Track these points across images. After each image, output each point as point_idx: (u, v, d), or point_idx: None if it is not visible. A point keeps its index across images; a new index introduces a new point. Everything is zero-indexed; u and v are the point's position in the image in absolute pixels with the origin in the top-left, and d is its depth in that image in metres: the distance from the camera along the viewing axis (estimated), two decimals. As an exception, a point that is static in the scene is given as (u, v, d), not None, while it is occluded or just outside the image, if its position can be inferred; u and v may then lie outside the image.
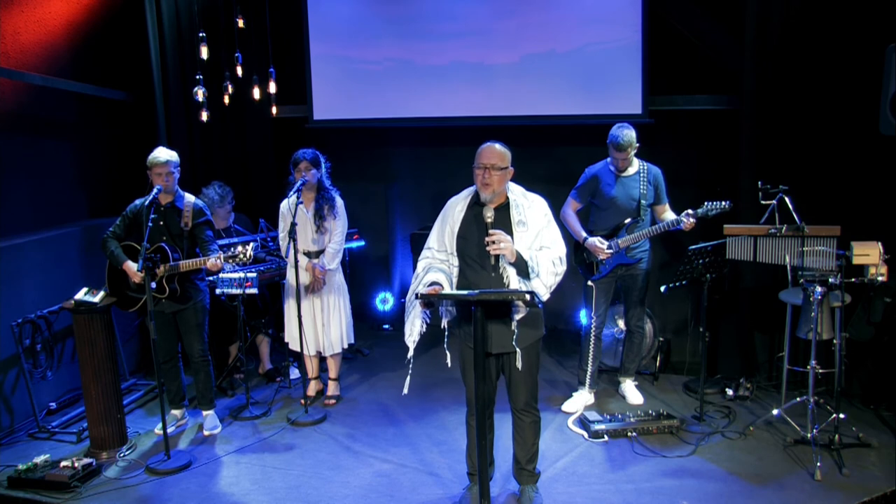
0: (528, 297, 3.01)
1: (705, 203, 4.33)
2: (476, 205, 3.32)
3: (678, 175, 5.09)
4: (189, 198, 4.41)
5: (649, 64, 5.44)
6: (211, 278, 4.65)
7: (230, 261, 4.17)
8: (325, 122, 6.24)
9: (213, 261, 4.16)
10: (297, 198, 4.64)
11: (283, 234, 4.77)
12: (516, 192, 3.37)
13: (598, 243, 4.51)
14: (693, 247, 4.27)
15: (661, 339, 5.38)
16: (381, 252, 6.85)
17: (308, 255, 4.76)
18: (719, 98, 5.41)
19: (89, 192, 5.64)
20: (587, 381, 4.76)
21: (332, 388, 5.01)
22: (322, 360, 5.11)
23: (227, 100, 5.09)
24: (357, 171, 6.50)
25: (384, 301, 6.73)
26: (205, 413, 4.60)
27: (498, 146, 3.29)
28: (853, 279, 3.94)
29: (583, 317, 4.88)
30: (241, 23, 4.90)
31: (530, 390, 3.44)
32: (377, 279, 6.86)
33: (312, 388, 5.04)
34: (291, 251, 4.46)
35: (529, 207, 3.32)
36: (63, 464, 3.92)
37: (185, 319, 4.42)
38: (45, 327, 4.75)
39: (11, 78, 4.79)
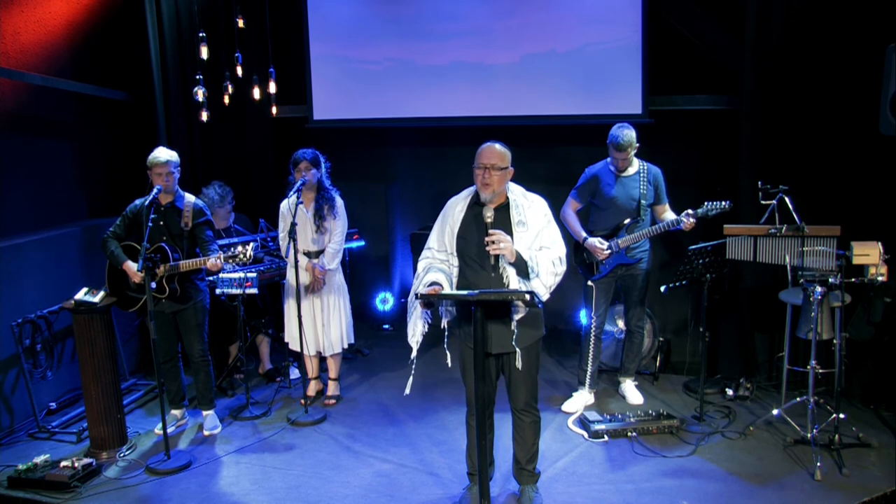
0: (527, 297, 3.01)
1: (705, 203, 4.34)
2: (476, 205, 3.32)
3: (678, 175, 5.09)
4: (189, 198, 4.41)
5: (649, 64, 5.44)
6: (211, 278, 4.65)
7: (230, 261, 4.17)
8: (325, 122, 6.24)
9: (213, 261, 4.16)
10: (297, 198, 4.64)
11: (283, 234, 4.77)
12: (516, 192, 3.37)
13: (598, 244, 4.51)
14: (693, 247, 4.27)
15: (661, 339, 5.38)
16: (381, 252, 6.85)
17: (308, 255, 4.76)
18: (719, 98, 5.41)
19: (89, 192, 5.64)
20: (587, 381, 4.76)
21: (332, 388, 5.01)
22: (322, 360, 5.11)
23: (227, 100, 5.09)
24: (357, 171, 6.50)
25: (384, 301, 6.73)
26: (205, 413, 4.60)
27: (498, 146, 3.29)
28: (853, 279, 3.94)
29: (583, 317, 4.88)
30: (241, 23, 4.90)
31: (530, 390, 3.44)
32: (377, 279, 6.86)
33: (312, 388, 5.04)
34: (291, 251, 4.46)
35: (529, 207, 3.32)
36: (63, 464, 3.92)
37: (185, 319, 4.42)
38: (45, 327, 4.75)
39: (11, 78, 4.79)
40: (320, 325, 4.84)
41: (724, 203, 4.31)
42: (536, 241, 3.28)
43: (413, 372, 3.38)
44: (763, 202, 4.32)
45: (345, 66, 6.10)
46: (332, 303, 4.83)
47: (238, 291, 4.61)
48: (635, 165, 4.54)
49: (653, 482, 3.79)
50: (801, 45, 4.69)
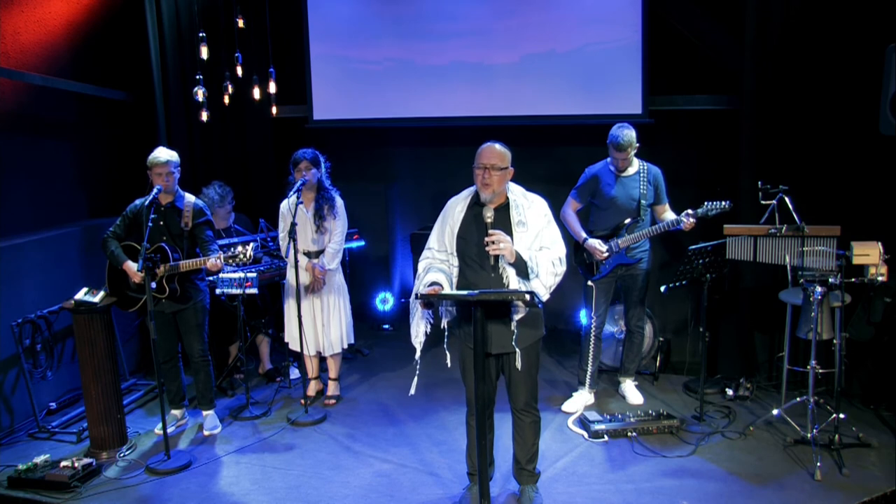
0: (527, 297, 3.01)
1: (705, 203, 4.34)
2: (476, 205, 3.32)
3: (678, 175, 5.09)
4: (189, 198, 4.41)
5: (649, 64, 5.44)
6: (211, 278, 4.65)
7: (230, 261, 4.17)
8: (325, 122, 6.24)
9: (213, 261, 4.16)
10: (297, 198, 4.64)
11: (283, 234, 4.77)
12: (516, 193, 3.37)
13: (598, 245, 4.51)
14: (693, 247, 4.27)
15: (661, 339, 5.38)
16: (381, 252, 6.85)
17: (308, 255, 4.75)
18: (719, 98, 5.41)
19: (89, 192, 5.64)
20: (587, 381, 4.76)
21: (332, 388, 5.01)
22: (322, 360, 5.11)
23: (227, 100, 5.09)
24: (357, 171, 6.50)
25: (384, 301, 6.73)
26: (205, 413, 4.60)
27: (498, 146, 3.29)
28: (853, 279, 3.94)
29: (583, 317, 4.88)
30: (241, 23, 4.90)
31: (530, 390, 3.44)
32: (377, 279, 6.86)
33: (312, 388, 5.04)
34: (291, 251, 4.46)
35: (529, 208, 3.32)
36: (63, 464, 3.92)
37: (185, 319, 4.42)
38: (45, 327, 4.75)
39: (11, 78, 4.79)
40: (320, 325, 4.84)
41: (724, 203, 4.31)
42: (536, 242, 3.28)
43: (418, 372, 3.37)
44: (763, 202, 4.32)
45: (345, 66, 6.10)
46: (332, 303, 4.83)
47: (238, 291, 4.61)
48: (635, 165, 4.54)
49: (653, 482, 3.79)
50: (801, 45, 4.69)
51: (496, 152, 3.26)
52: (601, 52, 5.54)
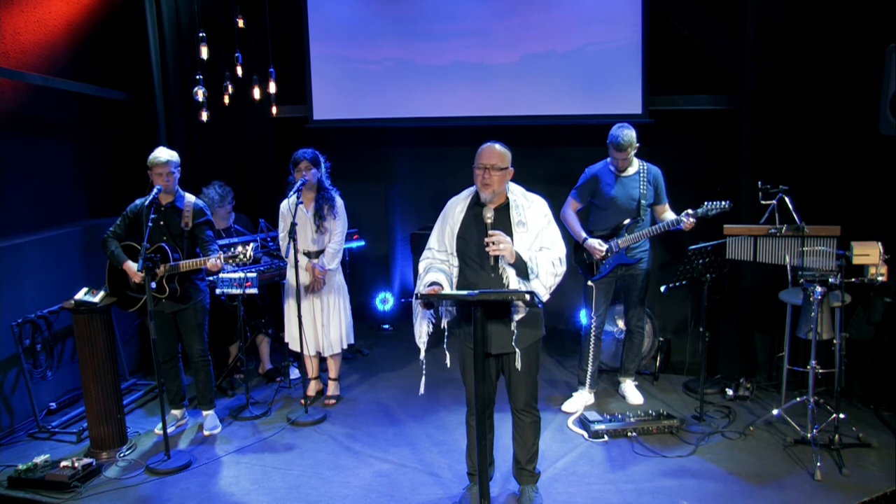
0: (527, 297, 3.01)
1: (705, 203, 4.34)
2: (476, 205, 3.32)
3: (678, 175, 5.09)
4: (189, 198, 4.41)
5: (649, 64, 5.44)
6: (211, 278, 4.65)
7: (230, 261, 4.17)
8: (325, 122, 6.24)
9: (213, 261, 4.16)
10: (297, 198, 4.64)
11: (283, 234, 4.77)
12: (516, 193, 3.37)
13: (598, 245, 4.51)
14: (693, 247, 4.27)
15: (661, 339, 5.38)
16: (381, 252, 6.85)
17: (308, 255, 4.75)
18: (719, 98, 5.41)
19: (89, 192, 5.64)
20: (587, 381, 4.76)
21: (332, 388, 5.01)
22: (322, 360, 5.11)
23: (227, 100, 5.09)
24: (357, 171, 6.51)
25: (384, 301, 6.73)
26: (205, 413, 4.60)
27: (498, 146, 3.29)
28: (853, 279, 3.94)
29: (583, 317, 4.88)
30: (241, 23, 4.90)
31: (530, 390, 3.44)
32: (377, 279, 6.86)
33: (312, 388, 5.04)
34: (291, 251, 4.46)
35: (529, 208, 3.32)
36: (63, 464, 3.92)
37: (185, 319, 4.42)
38: (45, 327, 4.75)
39: (11, 78, 4.79)
40: (320, 325, 4.84)
41: (724, 203, 4.31)
42: (536, 242, 3.28)
43: (424, 372, 3.36)
44: (763, 202, 4.32)
45: (345, 66, 6.10)
46: (332, 303, 4.83)
47: (238, 291, 4.61)
48: (635, 165, 4.54)
49: (653, 482, 3.79)
50: (801, 45, 4.69)
51: (496, 152, 3.26)
52: (601, 52, 5.54)
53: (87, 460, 4.00)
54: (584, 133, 5.65)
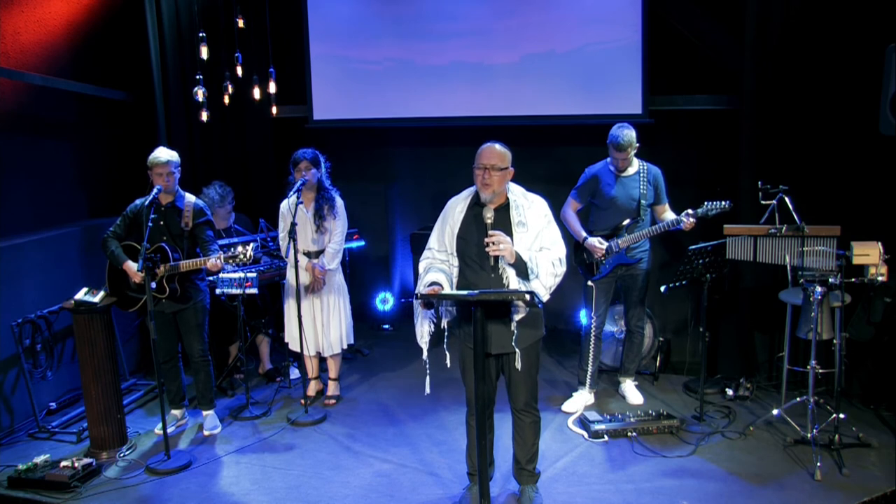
0: (527, 297, 3.01)
1: (705, 203, 4.34)
2: (476, 205, 3.32)
3: (678, 175, 5.09)
4: (189, 198, 4.41)
5: (649, 64, 5.44)
6: (211, 278, 4.65)
7: (230, 261, 4.17)
8: (325, 122, 6.24)
9: (213, 261, 4.16)
10: (297, 198, 4.64)
11: (283, 234, 4.77)
12: (516, 193, 3.37)
13: (598, 244, 4.51)
14: (693, 247, 4.27)
15: (661, 339, 5.38)
16: (381, 252, 6.85)
17: (308, 255, 4.75)
18: (719, 98, 5.41)
19: (89, 192, 5.64)
20: (587, 381, 4.76)
21: (332, 388, 5.01)
22: (322, 360, 5.11)
23: (227, 100, 5.09)
24: (357, 171, 6.50)
25: (384, 301, 6.73)
26: (205, 413, 4.60)
27: (498, 146, 3.29)
28: (853, 279, 3.94)
29: (583, 317, 4.88)
30: (241, 23, 4.90)
31: (530, 390, 3.44)
32: (377, 279, 6.86)
33: (312, 388, 5.04)
34: (291, 251, 4.46)
35: (529, 208, 3.32)
36: (63, 464, 3.92)
37: (185, 319, 4.42)
38: (45, 327, 4.75)
39: (11, 78, 4.79)
40: (320, 325, 4.84)
41: (724, 203, 4.31)
42: (536, 242, 3.28)
43: (428, 371, 3.36)
44: (763, 202, 4.32)
45: (345, 66, 6.10)
46: (332, 303, 4.83)
47: (238, 291, 4.61)
48: (635, 165, 4.54)
49: (653, 482, 3.79)
50: (801, 45, 4.69)
51: (496, 152, 3.26)
52: (601, 52, 5.54)
53: (87, 460, 4.00)
54: (584, 133, 5.65)
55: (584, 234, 4.60)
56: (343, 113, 6.20)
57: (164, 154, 4.26)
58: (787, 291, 4.52)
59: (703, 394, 4.48)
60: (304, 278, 4.73)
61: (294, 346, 4.84)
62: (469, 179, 3.35)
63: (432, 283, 3.25)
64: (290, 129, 6.34)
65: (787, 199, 4.24)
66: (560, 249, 3.31)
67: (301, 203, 4.71)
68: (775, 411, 4.32)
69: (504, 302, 3.18)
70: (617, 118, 4.81)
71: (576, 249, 4.66)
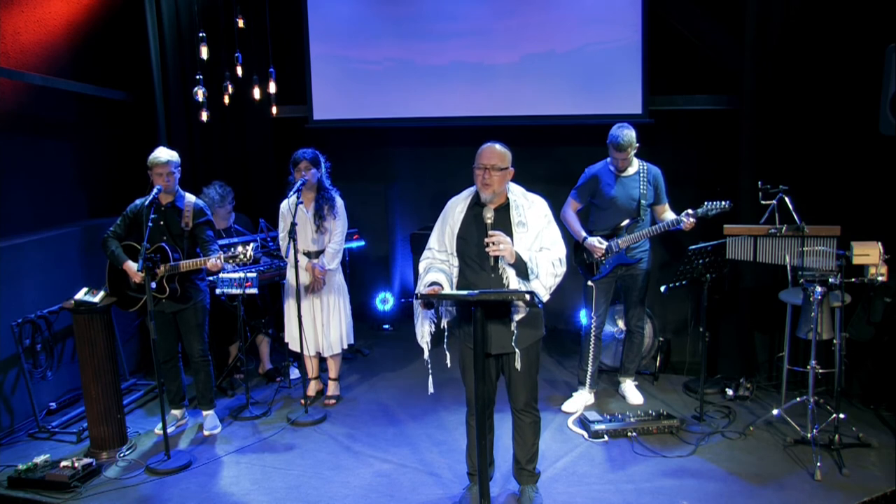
0: (527, 297, 3.01)
1: (705, 203, 4.34)
2: (476, 205, 3.32)
3: (678, 175, 5.09)
4: (189, 198, 4.41)
5: (649, 64, 5.44)
6: (211, 278, 4.65)
7: (231, 261, 4.17)
8: (325, 122, 6.24)
9: (213, 261, 4.16)
10: (297, 198, 4.64)
11: (283, 234, 4.77)
12: (517, 193, 3.37)
13: (598, 244, 4.51)
14: (693, 247, 4.27)
15: (661, 339, 5.38)
16: (381, 252, 6.86)
17: (308, 255, 4.75)
18: (719, 98, 5.41)
19: (89, 192, 5.64)
20: (587, 381, 4.76)
21: (332, 388, 5.01)
22: (322, 360, 5.11)
23: (227, 100, 5.09)
24: (357, 171, 6.51)
25: (384, 301, 6.73)
26: (205, 413, 4.60)
27: (498, 146, 3.29)
28: (853, 279, 3.94)
29: (583, 317, 4.88)
30: (241, 23, 4.90)
31: (530, 390, 3.44)
32: (377, 279, 6.86)
33: (312, 388, 5.04)
34: (291, 251, 4.46)
35: (529, 208, 3.32)
36: (63, 464, 3.92)
37: (185, 319, 4.42)
38: (45, 327, 4.75)
39: (11, 78, 4.79)
40: (320, 325, 4.84)
41: (724, 203, 4.31)
42: (536, 242, 3.28)
43: (430, 371, 3.36)
44: (763, 202, 4.32)
45: (345, 66, 6.10)
46: (332, 303, 4.83)
47: (238, 291, 4.61)
48: (635, 165, 4.54)
49: (653, 482, 3.79)
50: (801, 45, 4.69)
51: (496, 152, 3.26)
52: (601, 52, 5.54)
53: (87, 460, 4.00)
54: (584, 133, 5.65)
55: (583, 234, 4.60)
56: (343, 113, 6.20)
57: (164, 154, 4.26)
58: (787, 291, 4.52)
59: (703, 394, 4.49)
60: (304, 278, 4.73)
61: (294, 346, 4.84)
62: (469, 179, 3.35)
63: (432, 283, 3.25)
64: (290, 129, 6.34)
65: (787, 199, 4.24)
66: (560, 249, 3.31)
67: (301, 203, 4.71)
68: (775, 411, 4.32)
69: (504, 302, 3.18)
70: (617, 118, 4.81)
71: (576, 249, 4.66)
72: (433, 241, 3.43)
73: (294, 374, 5.39)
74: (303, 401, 4.79)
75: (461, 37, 5.81)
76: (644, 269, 4.65)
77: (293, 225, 4.41)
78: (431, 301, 3.21)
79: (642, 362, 5.12)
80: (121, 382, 4.52)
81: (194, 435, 4.53)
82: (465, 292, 3.09)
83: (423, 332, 3.33)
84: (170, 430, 4.44)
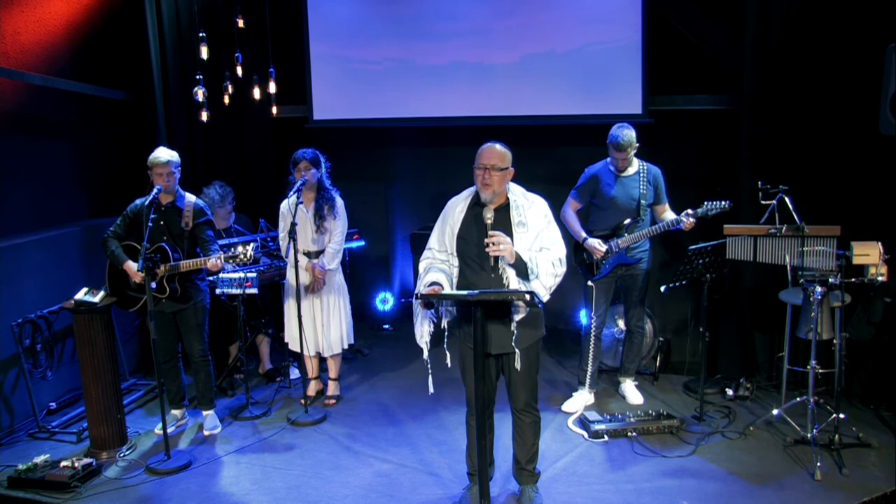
0: (527, 297, 3.01)
1: (705, 203, 4.34)
2: (476, 205, 3.32)
3: (678, 175, 5.09)
4: (190, 197, 4.41)
5: (649, 64, 5.44)
6: (211, 278, 4.65)
7: (231, 261, 4.17)
8: (325, 122, 6.24)
9: (213, 261, 4.16)
10: (297, 198, 4.64)
11: (283, 234, 4.77)
12: (517, 193, 3.37)
13: (598, 245, 4.51)
14: (693, 247, 4.27)
15: (661, 339, 5.38)
16: (381, 252, 6.86)
17: (308, 255, 4.75)
18: (719, 98, 5.41)
19: (89, 192, 5.64)
20: (587, 381, 4.76)
21: (332, 388, 5.01)
22: (322, 360, 5.11)
23: (227, 100, 5.09)
24: (357, 171, 6.50)
25: (384, 301, 6.73)
26: (205, 413, 4.60)
27: (498, 146, 3.29)
28: (853, 279, 3.94)
29: (583, 317, 4.88)
30: (241, 23, 4.90)
31: (530, 390, 3.44)
32: (377, 279, 6.86)
33: (312, 388, 5.04)
34: (291, 251, 4.47)
35: (529, 208, 3.32)
36: (63, 464, 3.92)
37: (185, 319, 4.42)
38: (45, 327, 4.75)
39: (11, 78, 4.79)
40: (320, 325, 4.84)
41: (724, 203, 4.31)
42: (536, 242, 3.28)
43: (430, 371, 3.36)
44: (763, 202, 4.32)
45: (345, 66, 6.10)
46: (332, 303, 4.83)
47: (238, 291, 4.61)
48: (635, 165, 4.54)
49: (653, 482, 3.79)
50: (801, 45, 4.69)
51: (496, 153, 3.26)
52: (601, 52, 5.54)
53: (87, 460, 4.00)
54: (584, 133, 5.65)
55: (583, 234, 4.60)
56: (343, 113, 6.20)
57: (164, 154, 4.26)
58: (787, 291, 4.52)
59: (703, 394, 4.49)
60: (304, 278, 4.74)
61: (294, 346, 4.84)
62: (469, 179, 3.35)
63: (432, 283, 3.25)
64: (290, 129, 6.34)
65: (787, 199, 4.24)
66: (560, 249, 3.31)
67: (301, 203, 4.71)
68: (775, 411, 4.33)
69: (504, 302, 3.18)
70: (617, 118, 4.81)
71: (576, 249, 4.66)
72: (433, 240, 3.43)
73: (294, 374, 5.39)
74: (303, 401, 4.79)
75: (461, 37, 5.81)
76: (644, 269, 4.65)
77: (293, 225, 4.41)
78: (431, 301, 3.21)
79: (642, 362, 5.12)
80: (121, 382, 4.52)
81: (194, 435, 4.53)
82: (465, 292, 3.09)
83: (423, 331, 3.33)
84: (170, 430, 4.44)
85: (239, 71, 5.01)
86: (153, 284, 4.11)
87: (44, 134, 5.22)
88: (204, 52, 4.85)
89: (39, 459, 3.97)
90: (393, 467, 4.04)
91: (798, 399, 4.34)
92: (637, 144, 4.43)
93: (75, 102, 5.49)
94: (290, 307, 4.81)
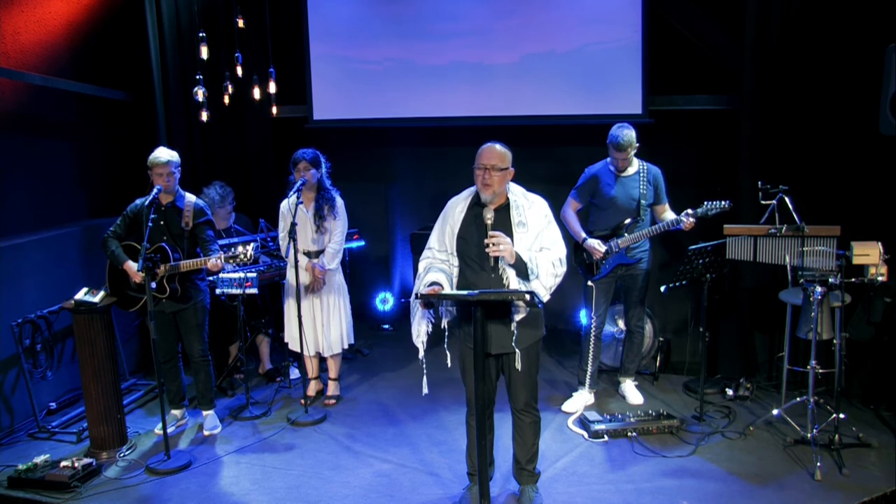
0: (527, 297, 3.01)
1: (705, 203, 4.34)
2: (476, 205, 3.32)
3: (678, 175, 5.09)
4: (190, 197, 4.41)
5: (649, 64, 5.44)
6: (211, 278, 4.65)
7: (231, 261, 4.17)
8: (325, 122, 6.24)
9: (213, 261, 4.16)
10: (297, 198, 4.64)
11: (283, 234, 4.77)
12: (517, 193, 3.37)
13: (598, 245, 4.51)
14: (693, 247, 4.27)
15: (661, 339, 5.38)
16: (381, 252, 6.85)
17: (308, 255, 4.75)
18: (719, 98, 5.41)
19: (89, 192, 5.64)
20: (587, 381, 4.76)
21: (332, 388, 5.01)
22: (322, 360, 5.11)
23: (227, 100, 5.09)
24: (357, 171, 6.51)
25: (384, 301, 6.73)
26: (205, 413, 4.60)
27: (498, 147, 3.29)
28: (853, 279, 3.94)
29: (583, 317, 4.88)
30: (241, 23, 4.90)
31: (530, 390, 3.44)
32: (377, 279, 6.86)
33: (312, 388, 5.04)
34: (291, 251, 4.47)
35: (530, 208, 3.32)
36: (63, 464, 3.92)
37: (185, 319, 4.42)
38: (45, 327, 4.75)
39: (11, 78, 4.79)
40: (320, 325, 4.84)
41: (723, 203, 4.31)
42: (536, 242, 3.28)
43: (425, 371, 3.36)
44: (763, 202, 4.32)
45: (345, 66, 6.10)
46: (332, 303, 4.83)
47: (238, 291, 4.61)
48: (635, 165, 4.54)
49: (653, 482, 3.79)
50: (801, 45, 4.69)
51: (496, 153, 3.26)
52: (601, 52, 5.54)
53: (87, 460, 4.00)
54: (584, 133, 5.65)
55: (583, 234, 4.60)
56: (343, 113, 6.20)
57: (164, 154, 4.26)
58: (787, 291, 4.52)
59: (703, 394, 4.49)
60: (304, 278, 4.74)
61: (294, 346, 4.84)
62: (469, 179, 3.35)
63: (432, 283, 3.26)
64: (290, 129, 6.34)
65: (787, 199, 4.24)
66: (560, 250, 3.31)
67: (301, 203, 4.71)
68: (775, 411, 4.33)
69: (504, 302, 3.18)
70: (617, 118, 4.81)
71: (576, 250, 4.66)
72: (433, 240, 3.43)
73: (294, 374, 5.39)
74: (303, 401, 4.79)
75: (461, 37, 5.81)
76: (644, 269, 4.65)
77: (293, 225, 4.41)
78: (431, 301, 3.21)
79: (642, 362, 5.12)
80: (121, 382, 4.52)
81: (194, 435, 4.53)
82: (465, 292, 3.09)
83: (420, 331, 3.34)
84: (170, 430, 4.44)
85: (239, 71, 5.01)
86: (153, 284, 4.11)
87: (44, 134, 5.22)
88: (204, 52, 4.85)
89: (39, 459, 3.97)
90: (393, 467, 4.04)
91: (798, 399, 4.34)
92: (637, 144, 4.43)
93: (75, 102, 5.49)
94: (290, 307, 4.81)
